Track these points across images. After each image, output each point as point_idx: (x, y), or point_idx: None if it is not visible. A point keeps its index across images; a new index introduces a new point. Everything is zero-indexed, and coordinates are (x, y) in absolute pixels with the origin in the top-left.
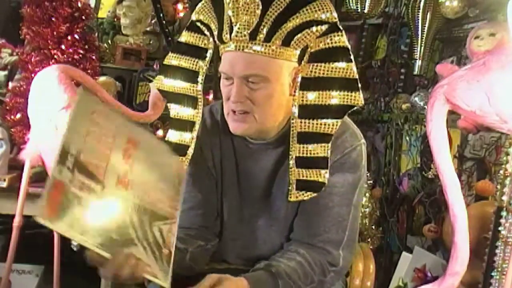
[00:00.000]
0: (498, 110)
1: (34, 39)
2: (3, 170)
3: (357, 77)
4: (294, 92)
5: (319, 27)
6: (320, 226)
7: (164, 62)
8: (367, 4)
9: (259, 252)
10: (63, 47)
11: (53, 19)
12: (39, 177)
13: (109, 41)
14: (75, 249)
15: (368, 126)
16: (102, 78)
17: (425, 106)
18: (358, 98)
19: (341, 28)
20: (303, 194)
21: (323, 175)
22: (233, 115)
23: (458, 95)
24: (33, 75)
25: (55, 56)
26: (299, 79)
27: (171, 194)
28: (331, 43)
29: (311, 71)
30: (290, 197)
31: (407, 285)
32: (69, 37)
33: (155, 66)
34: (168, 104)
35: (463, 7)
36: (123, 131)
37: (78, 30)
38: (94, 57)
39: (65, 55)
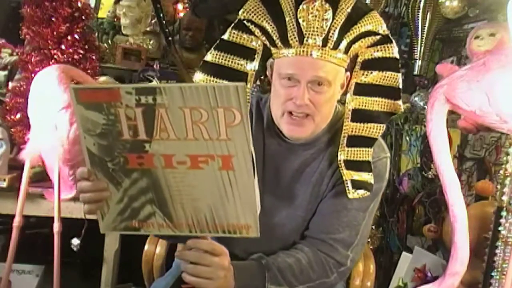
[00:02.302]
0: (498, 110)
1: (34, 39)
2: (3, 170)
3: (401, 86)
4: (344, 96)
5: (372, 37)
6: (335, 225)
7: (206, 59)
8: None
9: (270, 249)
10: (63, 47)
11: (53, 19)
12: (39, 177)
13: (109, 41)
14: (75, 249)
15: None
16: (102, 78)
17: (425, 106)
18: (399, 106)
19: (393, 40)
20: (358, 193)
21: (370, 177)
22: (290, 118)
23: (458, 95)
24: (33, 75)
25: (55, 56)
26: (352, 85)
27: None
28: (384, 53)
29: (364, 78)
30: (349, 194)
31: (407, 285)
32: (69, 37)
33: (155, 66)
34: None
35: (463, 7)
36: None
37: (78, 30)
38: (94, 57)
39: (65, 55)
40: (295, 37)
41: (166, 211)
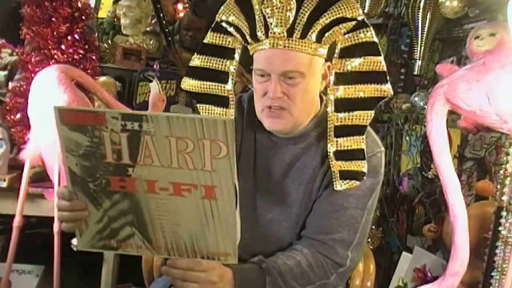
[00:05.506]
0: (498, 110)
1: (34, 39)
2: (3, 170)
3: (385, 69)
4: (326, 87)
5: (346, 24)
6: (333, 225)
7: (190, 64)
8: (367, 4)
9: (266, 247)
10: (63, 47)
11: (53, 19)
12: (39, 177)
13: (109, 41)
14: (75, 249)
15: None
16: (102, 78)
17: (425, 106)
18: (387, 90)
19: (369, 24)
20: (347, 183)
21: (362, 166)
22: (269, 111)
23: (458, 95)
24: (33, 75)
25: (55, 56)
26: (332, 75)
27: None
28: (361, 38)
29: (343, 66)
30: (336, 187)
31: (407, 285)
32: (69, 37)
33: (155, 66)
34: (198, 105)
35: (463, 7)
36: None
37: (78, 30)
38: (94, 57)
39: (65, 55)
40: (261, 30)
41: (146, 234)
